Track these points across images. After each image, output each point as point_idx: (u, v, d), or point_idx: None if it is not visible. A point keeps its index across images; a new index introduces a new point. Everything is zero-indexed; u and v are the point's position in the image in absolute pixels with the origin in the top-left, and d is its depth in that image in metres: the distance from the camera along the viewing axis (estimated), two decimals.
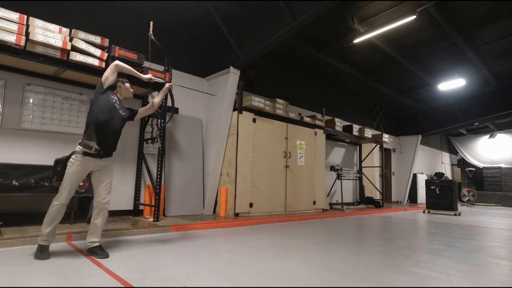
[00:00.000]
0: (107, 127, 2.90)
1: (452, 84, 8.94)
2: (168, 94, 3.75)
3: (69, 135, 4.68)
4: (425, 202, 9.43)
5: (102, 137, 2.89)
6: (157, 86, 4.89)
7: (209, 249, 3.43)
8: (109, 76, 2.99)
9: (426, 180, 9.56)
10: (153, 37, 3.76)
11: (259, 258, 3.11)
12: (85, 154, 2.84)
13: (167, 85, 3.56)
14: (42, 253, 2.75)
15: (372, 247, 3.84)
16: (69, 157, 2.87)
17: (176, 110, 5.87)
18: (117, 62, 3.06)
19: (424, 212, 9.21)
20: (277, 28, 5.16)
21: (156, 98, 3.46)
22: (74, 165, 2.83)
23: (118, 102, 3.05)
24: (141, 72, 4.41)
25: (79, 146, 2.86)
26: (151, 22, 3.68)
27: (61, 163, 2.91)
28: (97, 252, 2.88)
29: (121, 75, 3.23)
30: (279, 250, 3.47)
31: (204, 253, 3.20)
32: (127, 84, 3.20)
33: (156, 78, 3.28)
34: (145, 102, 5.44)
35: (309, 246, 3.79)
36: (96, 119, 2.85)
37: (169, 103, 5.21)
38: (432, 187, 9.07)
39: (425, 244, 4.24)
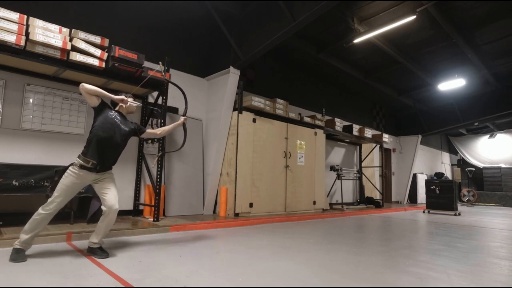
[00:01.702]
0: (108, 143, 2.89)
1: (452, 84, 8.93)
2: (182, 127, 3.81)
3: (69, 135, 4.68)
4: (425, 202, 9.42)
5: (102, 153, 2.86)
6: (157, 87, 4.91)
7: (209, 249, 3.43)
8: (88, 100, 2.90)
9: (426, 180, 9.55)
10: (169, 79, 3.98)
11: (259, 258, 3.11)
12: (81, 167, 2.80)
13: (181, 118, 3.60)
14: (18, 255, 2.64)
15: (372, 247, 3.85)
16: (67, 168, 2.86)
17: (176, 111, 5.88)
18: (81, 85, 2.79)
19: (424, 212, 9.21)
20: (277, 28, 5.16)
21: (167, 127, 3.54)
22: (70, 177, 2.79)
23: (118, 117, 3.02)
24: (141, 72, 4.46)
25: (77, 159, 2.83)
26: (160, 63, 3.81)
27: (59, 174, 2.89)
28: (97, 252, 2.89)
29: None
30: (279, 250, 3.47)
31: (204, 253, 3.20)
32: (130, 101, 3.16)
33: (135, 102, 3.19)
34: (145, 102, 5.45)
35: (309, 246, 3.79)
36: (97, 136, 2.84)
37: (169, 104, 5.28)
38: (432, 187, 9.07)
39: (425, 244, 4.24)
